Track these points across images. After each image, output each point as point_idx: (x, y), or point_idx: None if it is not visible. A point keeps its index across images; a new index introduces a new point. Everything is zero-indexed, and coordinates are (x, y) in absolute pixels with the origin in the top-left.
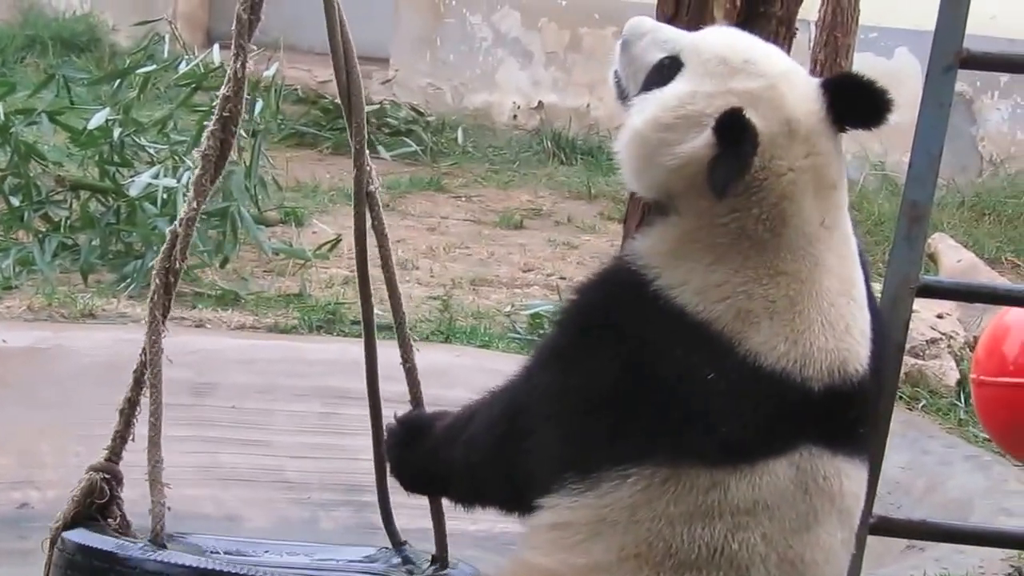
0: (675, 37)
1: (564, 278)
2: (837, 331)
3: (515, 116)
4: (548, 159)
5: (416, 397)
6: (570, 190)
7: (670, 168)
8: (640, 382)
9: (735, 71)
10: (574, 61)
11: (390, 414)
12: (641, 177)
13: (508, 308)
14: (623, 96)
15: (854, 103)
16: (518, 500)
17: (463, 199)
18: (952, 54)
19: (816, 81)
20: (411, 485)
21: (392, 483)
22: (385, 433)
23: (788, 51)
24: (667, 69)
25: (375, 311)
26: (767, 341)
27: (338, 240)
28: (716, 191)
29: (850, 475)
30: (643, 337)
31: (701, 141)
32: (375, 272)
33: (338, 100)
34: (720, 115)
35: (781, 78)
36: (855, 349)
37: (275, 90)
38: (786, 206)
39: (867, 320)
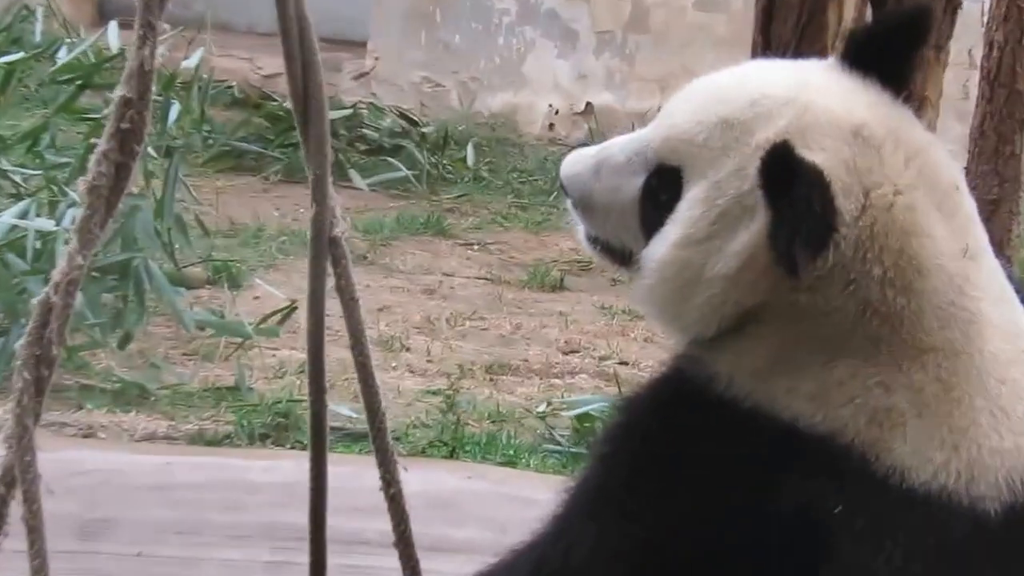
0: (638, 146)
1: (625, 363)
2: (1013, 420)
3: (551, 125)
4: None
5: (404, 539)
6: None
7: (730, 276)
8: (734, 530)
9: (748, 123)
10: (638, 45)
11: (359, 563)
12: (690, 309)
13: (542, 407)
14: (625, 259)
15: (890, 50)
16: None
17: (475, 247)
18: None
19: (832, 64)
20: None
21: None
22: None
23: (951, 30)
24: (663, 185)
25: (348, 413)
26: (917, 450)
27: (292, 308)
28: (789, 267)
29: None
30: (736, 467)
31: (758, 221)
32: (343, 355)
33: (290, 103)
34: (760, 167)
35: (805, 90)
36: None
37: (200, 88)
38: (914, 245)
39: None
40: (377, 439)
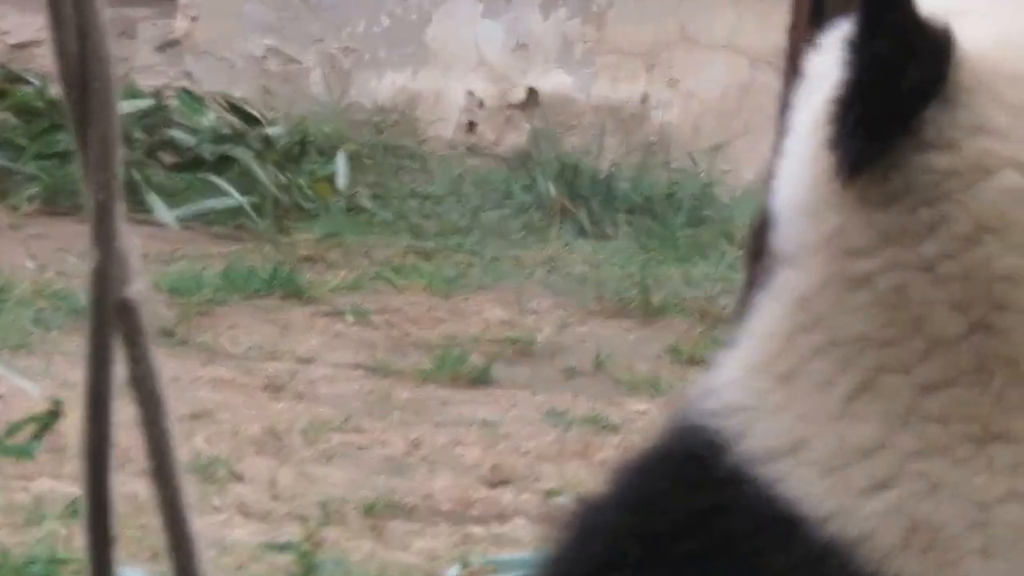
0: None
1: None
2: None
3: (471, 124)
4: (550, 221)
5: None
6: (601, 295)
7: (800, 147)
8: None
9: None
10: None
11: None
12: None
13: (454, 570)
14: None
15: None
16: None
17: (349, 317)
18: None
19: None
20: None
21: None
22: None
23: None
24: None
25: None
26: None
27: (54, 413)
28: (843, 155)
29: None
30: None
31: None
32: (136, 487)
33: (56, 89)
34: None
35: None
36: None
37: None
38: (992, 248)
39: None
40: None
